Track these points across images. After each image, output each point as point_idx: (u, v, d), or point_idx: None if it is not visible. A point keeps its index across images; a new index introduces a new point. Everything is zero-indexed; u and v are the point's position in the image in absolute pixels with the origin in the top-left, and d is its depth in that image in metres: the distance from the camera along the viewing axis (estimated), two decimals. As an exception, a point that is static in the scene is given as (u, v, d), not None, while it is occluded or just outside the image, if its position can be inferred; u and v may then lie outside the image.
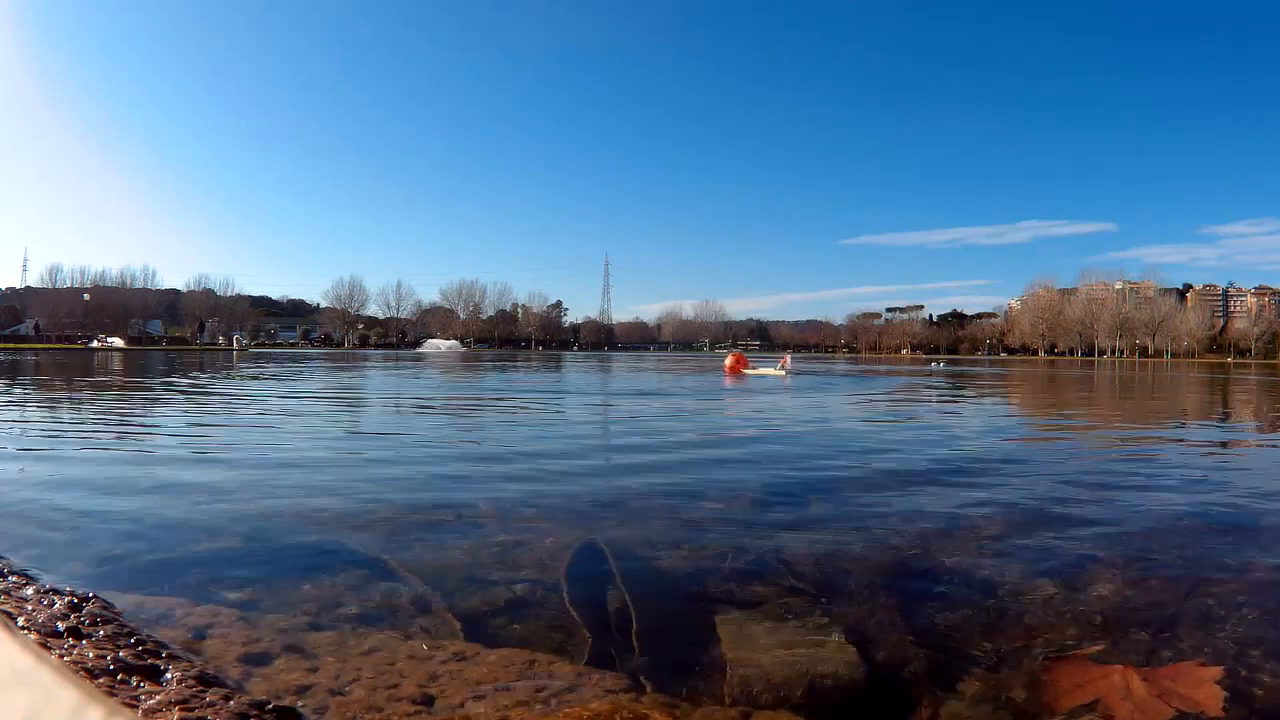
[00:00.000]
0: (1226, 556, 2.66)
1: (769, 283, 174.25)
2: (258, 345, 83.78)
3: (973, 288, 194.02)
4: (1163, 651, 1.74)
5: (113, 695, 1.37)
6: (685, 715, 1.53)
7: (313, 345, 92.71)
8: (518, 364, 30.41)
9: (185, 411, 8.08)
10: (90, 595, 1.95)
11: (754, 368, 21.10)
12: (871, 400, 11.55)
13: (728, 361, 20.77)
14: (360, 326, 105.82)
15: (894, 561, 2.56)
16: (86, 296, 79.98)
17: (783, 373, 18.66)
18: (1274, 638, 1.88)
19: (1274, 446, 7.10)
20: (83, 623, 1.75)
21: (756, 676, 1.65)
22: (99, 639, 1.67)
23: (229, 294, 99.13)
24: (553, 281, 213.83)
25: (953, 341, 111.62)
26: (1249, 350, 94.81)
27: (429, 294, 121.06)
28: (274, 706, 1.42)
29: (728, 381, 16.38)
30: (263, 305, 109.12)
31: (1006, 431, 7.61)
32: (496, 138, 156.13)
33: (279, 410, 8.20)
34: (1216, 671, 1.62)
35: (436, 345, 72.03)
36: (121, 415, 7.61)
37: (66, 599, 1.91)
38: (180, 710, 1.36)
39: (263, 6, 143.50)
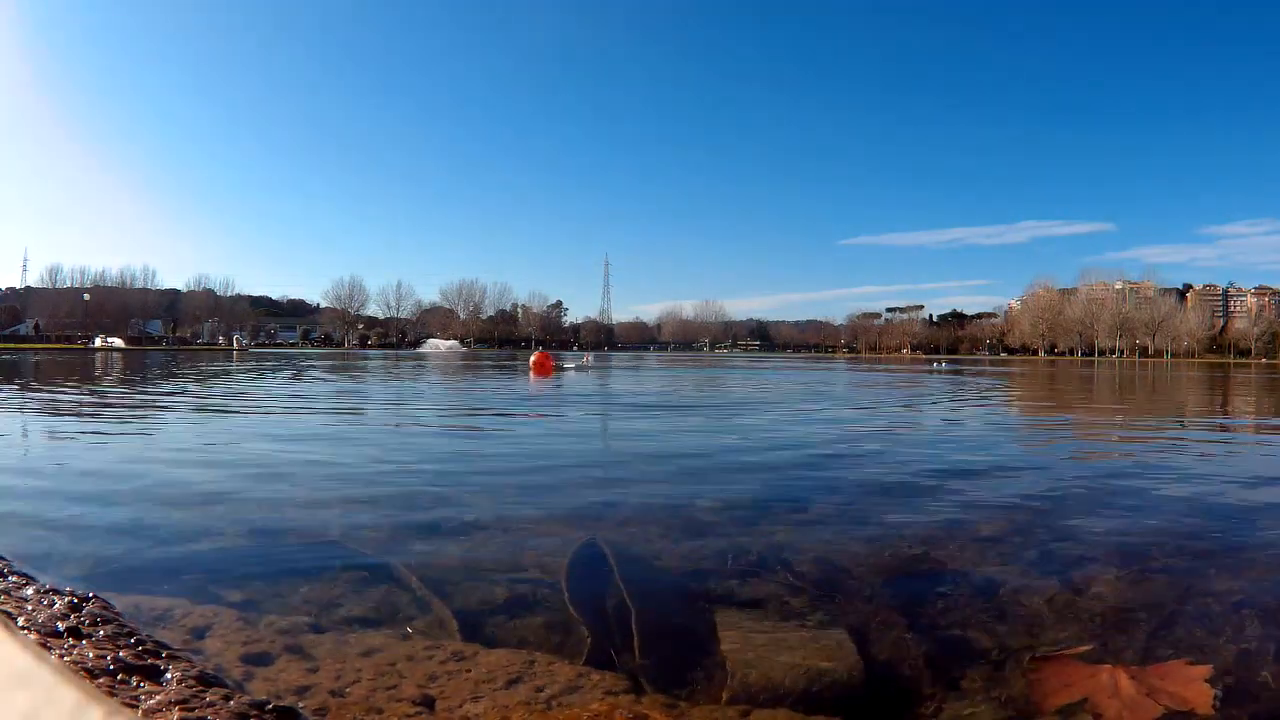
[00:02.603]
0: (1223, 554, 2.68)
1: (769, 283, 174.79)
2: (258, 345, 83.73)
3: (972, 288, 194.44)
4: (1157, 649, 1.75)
5: (113, 695, 1.38)
6: (685, 714, 1.54)
7: (313, 345, 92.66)
8: (505, 364, 30.37)
9: (184, 412, 8.09)
10: (90, 595, 1.96)
11: (560, 365, 21.39)
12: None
13: (534, 359, 20.02)
14: (360, 326, 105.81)
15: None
16: (86, 296, 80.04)
17: (585, 364, 22.02)
18: (1265, 635, 1.89)
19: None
20: (83, 623, 1.76)
21: (757, 675, 1.66)
22: (99, 639, 1.68)
23: (229, 294, 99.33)
24: (553, 281, 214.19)
25: (953, 341, 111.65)
26: (1249, 350, 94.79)
27: (429, 294, 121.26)
28: (274, 706, 1.43)
29: (533, 379, 15.64)
30: (263, 305, 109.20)
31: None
32: (496, 138, 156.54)
33: (280, 409, 8.21)
34: (1205, 670, 1.63)
35: (436, 345, 72.01)
36: (118, 414, 7.61)
37: (66, 599, 1.92)
38: (180, 710, 1.37)
39: (262, 7, 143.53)
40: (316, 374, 18.36)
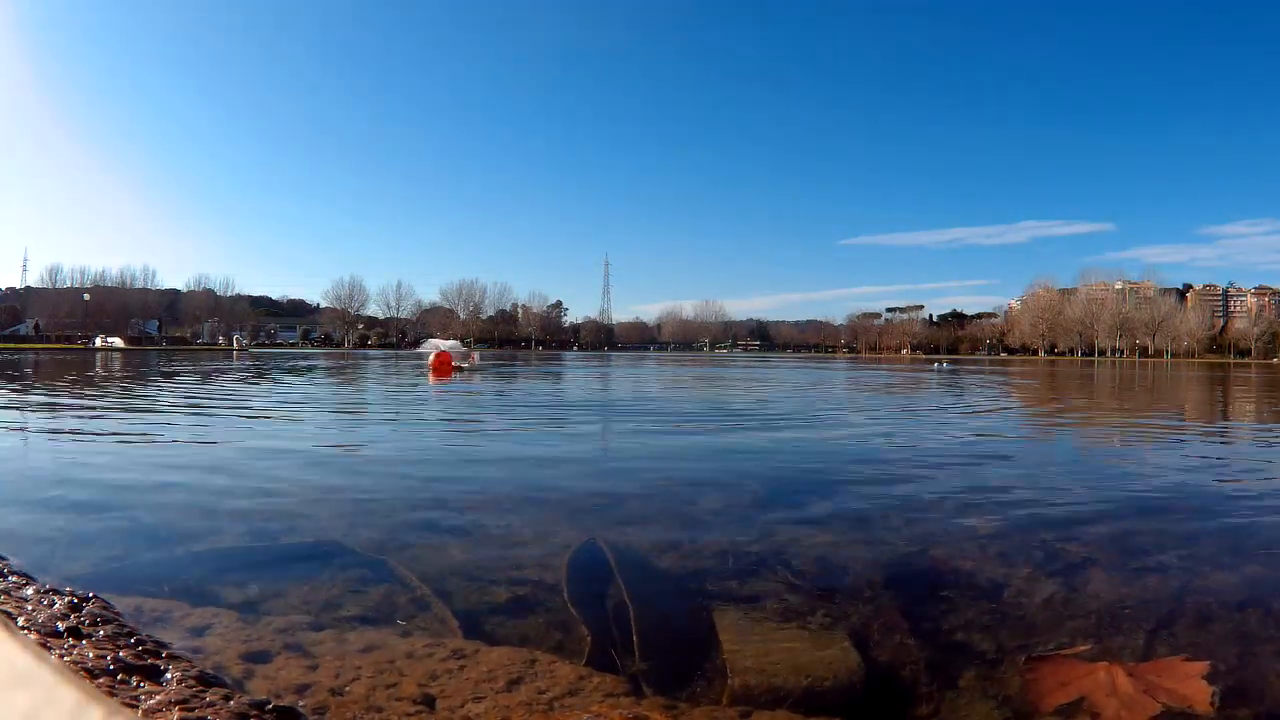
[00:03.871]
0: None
1: (769, 283, 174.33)
2: (258, 345, 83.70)
3: (973, 288, 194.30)
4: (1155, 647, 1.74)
5: (113, 695, 1.38)
6: (685, 714, 1.54)
7: (313, 345, 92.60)
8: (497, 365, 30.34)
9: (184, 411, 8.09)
10: (90, 595, 1.96)
11: (458, 365, 21.09)
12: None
13: (431, 360, 19.87)
14: (360, 326, 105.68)
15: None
16: (86, 296, 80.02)
17: (467, 365, 22.04)
18: (1261, 634, 1.89)
19: None
20: (83, 623, 1.76)
21: (756, 676, 1.66)
22: (99, 639, 1.68)
23: (229, 294, 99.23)
24: (553, 281, 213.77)
25: (953, 341, 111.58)
26: (1249, 350, 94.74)
27: (429, 294, 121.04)
28: (274, 706, 1.43)
29: (431, 381, 15.24)
30: (263, 305, 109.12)
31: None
32: (496, 138, 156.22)
33: (276, 404, 8.21)
34: (1202, 666, 1.63)
35: (436, 345, 71.77)
36: (116, 412, 7.61)
37: (66, 599, 1.92)
38: (180, 710, 1.37)
39: (262, 7, 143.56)
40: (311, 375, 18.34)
